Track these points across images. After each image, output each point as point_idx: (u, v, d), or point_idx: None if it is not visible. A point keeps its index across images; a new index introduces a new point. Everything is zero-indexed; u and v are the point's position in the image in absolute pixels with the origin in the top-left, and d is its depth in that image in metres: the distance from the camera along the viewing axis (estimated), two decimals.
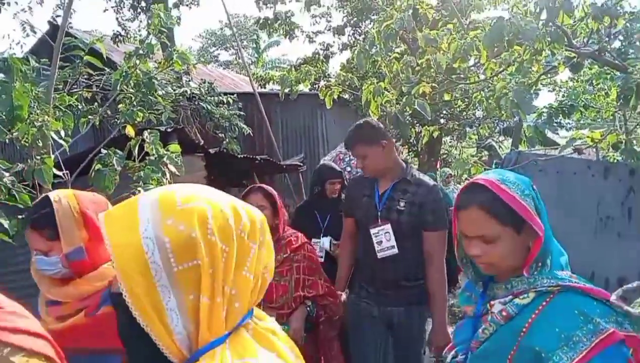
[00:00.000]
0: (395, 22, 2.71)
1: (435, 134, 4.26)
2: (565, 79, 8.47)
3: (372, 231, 2.43)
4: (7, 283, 4.12)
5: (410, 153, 15.13)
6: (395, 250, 2.40)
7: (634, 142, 3.28)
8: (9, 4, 6.16)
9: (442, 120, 10.80)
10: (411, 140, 10.47)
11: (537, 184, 4.31)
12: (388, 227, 2.41)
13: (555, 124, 5.27)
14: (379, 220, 2.44)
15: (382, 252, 2.42)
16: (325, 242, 3.26)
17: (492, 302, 1.19)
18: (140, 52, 2.52)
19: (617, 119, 5.34)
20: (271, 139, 8.27)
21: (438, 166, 11.32)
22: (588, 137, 2.69)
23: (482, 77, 2.83)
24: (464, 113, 9.54)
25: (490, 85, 2.86)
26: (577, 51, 2.53)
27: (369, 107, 2.66)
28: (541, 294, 1.12)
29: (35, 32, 7.34)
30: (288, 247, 2.47)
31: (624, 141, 2.76)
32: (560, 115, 5.23)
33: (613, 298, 0.98)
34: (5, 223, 2.61)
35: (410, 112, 2.78)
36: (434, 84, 2.78)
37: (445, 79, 2.72)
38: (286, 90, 3.65)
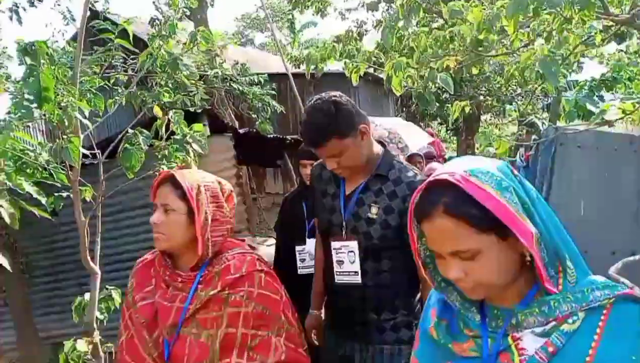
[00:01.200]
0: None
1: (467, 109, 4.14)
2: (613, 51, 8.02)
3: (334, 245, 1.82)
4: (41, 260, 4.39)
5: (449, 131, 14.82)
6: (358, 279, 1.77)
7: None
8: None
9: (480, 97, 10.49)
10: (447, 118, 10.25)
11: (575, 161, 4.09)
12: (354, 245, 1.77)
13: (597, 98, 5.00)
14: (344, 233, 1.80)
15: (341, 276, 1.81)
16: (311, 246, 2.44)
17: (517, 335, 0.88)
18: (163, 32, 2.57)
19: None
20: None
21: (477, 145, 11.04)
22: (619, 108, 2.54)
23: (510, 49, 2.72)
24: (503, 89, 9.22)
25: (518, 57, 2.75)
26: (612, 18, 2.38)
27: (390, 83, 2.62)
28: (592, 312, 0.84)
29: (74, 20, 7.60)
30: (221, 279, 1.46)
31: None
32: (603, 88, 4.96)
33: (612, 271, 0.94)
34: (44, 201, 2.78)
35: (434, 87, 2.72)
36: (458, 58, 2.69)
37: (471, 51, 2.63)
38: (312, 69, 3.63)
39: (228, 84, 6.78)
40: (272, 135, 5.73)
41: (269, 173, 9.43)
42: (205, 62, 6.23)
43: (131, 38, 2.79)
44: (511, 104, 10.40)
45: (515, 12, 2.12)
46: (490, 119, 12.66)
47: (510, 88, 9.05)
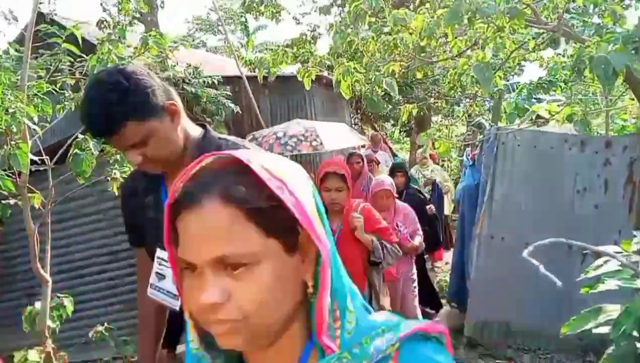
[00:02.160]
0: (364, 2, 2.77)
1: (415, 112, 4.33)
2: (552, 55, 8.53)
3: (157, 255, 1.48)
4: None
5: (402, 133, 15.23)
6: (177, 305, 1.42)
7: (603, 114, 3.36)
8: None
9: (430, 99, 10.86)
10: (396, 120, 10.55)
11: (515, 158, 4.36)
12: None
13: (534, 100, 5.35)
14: None
15: (155, 292, 1.46)
16: None
17: None
18: (112, 37, 2.57)
19: (600, 93, 5.40)
20: (260, 121, 8.33)
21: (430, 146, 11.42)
22: (546, 110, 2.77)
23: (452, 55, 2.90)
24: (451, 91, 9.61)
25: (456, 63, 2.93)
26: (540, 27, 2.59)
27: (339, 87, 2.73)
28: None
29: (17, 21, 7.28)
30: None
31: (577, 113, 2.84)
32: (541, 90, 5.30)
33: (525, 254, 1.05)
34: None
35: (382, 90, 2.85)
36: (403, 63, 2.84)
37: (414, 57, 2.78)
38: (264, 73, 3.70)
39: (181, 86, 6.72)
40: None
41: None
42: (156, 65, 6.14)
43: (80, 42, 2.76)
44: (459, 106, 10.83)
45: (451, 21, 2.28)
46: (440, 120, 13.12)
47: (457, 90, 9.46)
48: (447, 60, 2.84)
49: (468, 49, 2.75)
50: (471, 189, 5.06)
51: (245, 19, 18.41)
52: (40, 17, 8.52)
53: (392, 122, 13.47)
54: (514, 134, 4.38)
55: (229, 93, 7.60)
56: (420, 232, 3.91)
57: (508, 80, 6.83)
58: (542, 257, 1.30)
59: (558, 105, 2.93)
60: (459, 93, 9.73)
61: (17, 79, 2.41)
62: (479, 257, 4.51)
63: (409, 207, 3.94)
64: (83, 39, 3.00)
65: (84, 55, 4.08)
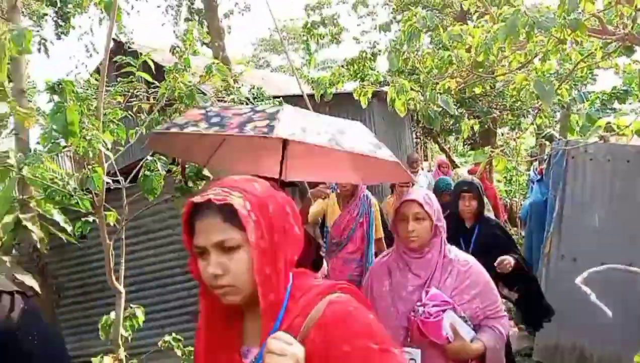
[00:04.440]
0: (418, 21, 2.77)
1: (477, 127, 4.22)
2: (628, 61, 8.00)
3: None
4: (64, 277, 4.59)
5: (465, 146, 14.79)
6: None
7: None
8: (73, 27, 6.76)
9: (496, 111, 10.50)
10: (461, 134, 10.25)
11: (587, 173, 4.09)
12: None
13: (609, 111, 5.01)
14: None
15: None
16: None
17: None
18: (179, 66, 2.76)
19: None
20: None
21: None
22: (615, 124, 2.59)
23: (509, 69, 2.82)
24: (518, 103, 9.23)
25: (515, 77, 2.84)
26: (607, 38, 2.46)
27: (394, 104, 2.74)
28: None
29: (97, 52, 7.99)
30: None
31: None
32: (615, 100, 4.98)
33: (578, 280, 1.02)
34: (69, 228, 2.97)
35: (436, 107, 2.83)
36: (459, 79, 2.80)
37: (470, 73, 2.74)
38: (321, 93, 3.78)
39: None
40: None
41: (288, 192, 9.59)
42: (222, 88, 6.46)
43: (153, 68, 2.99)
44: (525, 118, 10.38)
45: (508, 35, 2.23)
46: (507, 133, 12.60)
47: (524, 102, 9.08)
48: (505, 74, 2.76)
49: (528, 62, 2.67)
50: (539, 206, 4.83)
51: (307, 39, 18.89)
52: (119, 47, 9.24)
53: (454, 135, 13.14)
54: (584, 147, 4.15)
55: None
56: (505, 321, 1.98)
57: (579, 90, 6.47)
58: (619, 281, 1.21)
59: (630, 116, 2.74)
60: (527, 104, 9.33)
61: (92, 108, 2.65)
62: (548, 277, 4.27)
63: (478, 268, 1.99)
64: (158, 64, 3.23)
65: (157, 82, 4.40)
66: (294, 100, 8.78)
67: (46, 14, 6.81)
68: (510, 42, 2.29)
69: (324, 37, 9.02)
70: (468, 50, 2.85)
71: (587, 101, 5.43)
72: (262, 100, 7.60)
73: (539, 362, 4.19)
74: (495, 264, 2.67)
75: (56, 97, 2.04)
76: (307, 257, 1.85)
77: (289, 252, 1.03)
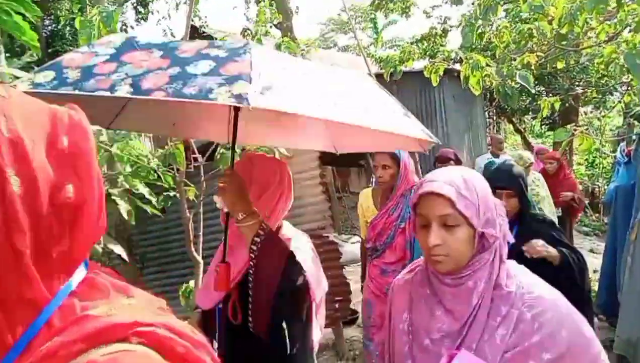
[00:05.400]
0: None
1: (557, 105, 3.98)
2: None
3: None
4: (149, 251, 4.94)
5: (543, 126, 13.97)
6: None
7: None
8: (152, 13, 7.11)
9: (578, 89, 9.80)
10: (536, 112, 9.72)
11: None
12: None
13: None
14: None
15: None
16: None
17: None
18: None
19: None
20: None
21: (574, 141, 10.33)
22: None
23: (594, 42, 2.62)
24: (604, 80, 8.54)
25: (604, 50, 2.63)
26: None
27: (468, 82, 2.65)
28: None
29: (174, 36, 8.35)
30: None
31: None
32: None
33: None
34: (154, 200, 3.18)
35: (514, 83, 2.70)
36: (539, 53, 2.65)
37: (552, 47, 2.58)
38: (390, 71, 3.73)
39: None
40: None
41: (353, 172, 9.61)
42: None
43: None
44: (612, 95, 9.60)
45: (597, 4, 2.08)
46: (590, 111, 11.74)
47: (611, 78, 8.39)
48: (591, 47, 2.57)
49: (618, 34, 2.46)
50: (626, 190, 4.49)
51: (375, 17, 18.53)
52: (194, 31, 9.60)
53: (531, 114, 12.45)
54: None
55: None
56: None
57: None
58: None
59: None
60: (615, 80, 8.59)
61: None
62: (633, 266, 3.99)
63: (560, 310, 1.17)
64: None
65: None
66: None
67: (127, 0, 7.22)
68: (598, 11, 2.13)
69: (392, 10, 8.81)
70: (550, 22, 2.68)
71: None
72: None
73: (620, 355, 3.96)
74: (524, 247, 2.07)
75: None
76: (270, 263, 1.45)
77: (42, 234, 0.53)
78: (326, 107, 1.25)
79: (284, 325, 1.49)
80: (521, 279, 1.14)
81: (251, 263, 1.46)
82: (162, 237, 4.90)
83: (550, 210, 4.71)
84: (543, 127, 14.13)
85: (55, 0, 11.20)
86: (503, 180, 2.19)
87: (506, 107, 11.80)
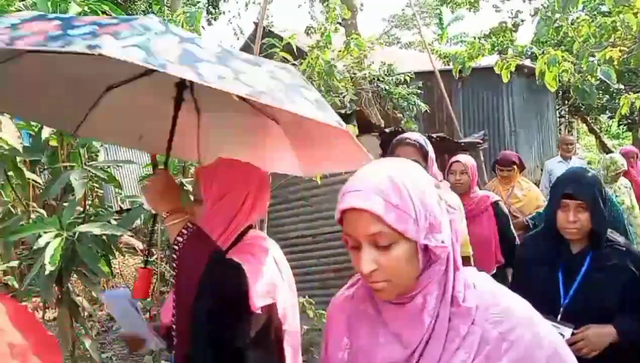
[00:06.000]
0: None
1: (638, 104, 3.72)
2: None
3: None
4: None
5: (621, 126, 13.05)
6: None
7: None
8: (223, 12, 7.38)
9: None
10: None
11: None
12: None
13: None
14: None
15: None
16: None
17: None
18: (320, 44, 2.89)
19: None
20: (451, 116, 8.15)
21: None
22: None
23: None
24: None
25: None
26: None
27: (543, 78, 2.54)
28: None
29: (243, 34, 8.61)
30: None
31: None
32: None
33: None
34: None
35: (595, 79, 2.56)
36: (623, 48, 2.49)
37: (637, 41, 2.42)
38: (459, 68, 3.65)
39: (375, 84, 7.03)
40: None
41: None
42: (354, 65, 6.56)
43: (294, 49, 3.17)
44: None
45: None
46: None
47: None
48: None
49: None
50: None
51: (440, 12, 18.09)
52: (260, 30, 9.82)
53: (608, 113, 11.70)
54: None
55: (418, 91, 7.64)
56: None
57: None
58: None
59: None
60: None
61: None
62: None
63: (532, 330, 0.91)
64: (295, 46, 3.42)
65: (295, 61, 4.65)
66: (426, 75, 8.57)
67: (199, 1, 7.53)
68: None
69: (460, 4, 8.58)
70: (636, 15, 2.51)
71: None
72: (392, 77, 7.56)
73: None
74: (567, 341, 1.56)
75: None
76: (190, 262, 1.34)
77: None
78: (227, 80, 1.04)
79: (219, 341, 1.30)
80: (483, 289, 0.92)
81: (174, 265, 1.37)
82: None
83: (635, 223, 4.11)
84: (621, 127, 13.22)
85: (133, 1, 11.89)
86: (572, 187, 1.74)
87: (581, 105, 11.14)
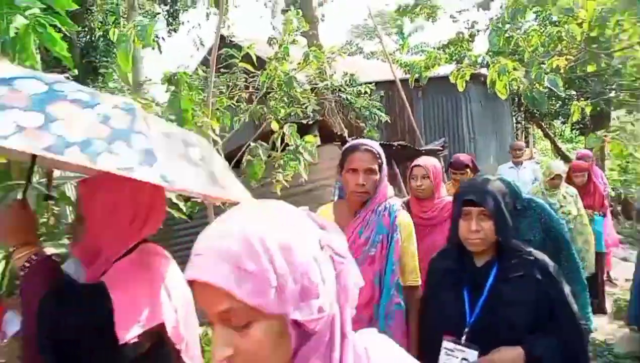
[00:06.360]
0: None
1: (588, 110, 3.89)
2: None
3: None
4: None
5: (574, 131, 13.63)
6: None
7: None
8: (182, 23, 7.30)
9: (611, 92, 9.54)
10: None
11: None
12: None
13: None
14: None
15: None
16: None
17: None
18: (279, 55, 2.89)
19: None
20: (412, 124, 8.31)
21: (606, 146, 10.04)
22: None
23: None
24: (638, 82, 8.28)
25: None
26: None
27: (494, 86, 2.62)
28: None
29: (204, 45, 8.53)
30: None
31: None
32: None
33: None
34: (182, 204, 3.25)
35: (542, 88, 2.66)
36: (569, 57, 2.61)
37: (583, 50, 2.53)
38: (416, 77, 3.72)
39: (337, 94, 7.09)
40: (378, 142, 5.88)
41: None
42: (316, 75, 6.60)
43: (254, 60, 3.16)
44: None
45: (629, 6, 2.03)
46: (624, 115, 11.39)
47: None
48: (623, 50, 2.51)
49: None
50: None
51: (401, 22, 18.52)
52: (222, 40, 9.77)
53: (561, 119, 12.19)
54: None
55: (380, 101, 7.76)
56: None
57: None
58: None
59: None
60: None
61: (204, 97, 2.87)
62: None
63: None
64: (256, 56, 3.40)
65: (257, 72, 4.64)
66: (387, 84, 8.72)
67: (158, 13, 7.42)
68: (630, 13, 2.09)
69: (418, 14, 8.77)
70: (580, 25, 2.63)
71: None
72: (354, 88, 7.65)
73: None
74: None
75: (172, 87, 2.24)
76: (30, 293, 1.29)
77: None
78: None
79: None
80: (378, 357, 0.74)
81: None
82: (188, 244, 4.99)
83: (582, 231, 4.08)
84: (574, 131, 13.80)
85: (89, 12, 11.61)
86: (473, 194, 1.62)
87: (535, 111, 11.58)
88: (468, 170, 3.59)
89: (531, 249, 1.67)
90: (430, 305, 1.76)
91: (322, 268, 0.68)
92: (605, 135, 2.53)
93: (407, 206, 2.70)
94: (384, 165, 2.01)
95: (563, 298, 1.60)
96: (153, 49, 8.30)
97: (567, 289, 1.62)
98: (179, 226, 4.52)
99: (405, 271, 2.01)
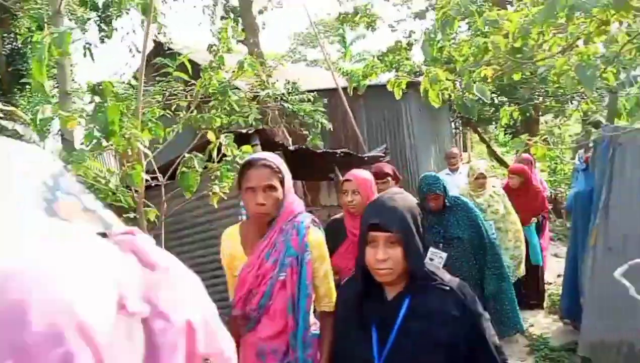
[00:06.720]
0: (452, 8, 2.70)
1: (516, 115, 4.09)
2: None
3: None
4: None
5: (507, 135, 14.36)
6: None
7: None
8: (115, 30, 7.00)
9: (539, 98, 10.14)
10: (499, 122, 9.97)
11: (635, 161, 3.84)
12: None
13: None
14: None
15: None
16: None
17: None
18: (213, 64, 2.81)
19: None
20: (355, 132, 8.43)
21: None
22: None
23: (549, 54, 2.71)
24: (562, 90, 8.86)
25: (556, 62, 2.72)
26: None
27: (427, 95, 2.69)
28: None
29: (140, 52, 8.21)
30: None
31: None
32: None
33: (617, 273, 0.96)
34: None
35: (472, 96, 2.75)
36: (496, 67, 2.72)
37: (508, 60, 2.65)
38: (354, 85, 3.76)
39: (280, 102, 7.06)
40: (322, 150, 5.89)
41: (322, 186, 9.62)
42: (258, 83, 6.54)
43: (190, 68, 3.05)
44: (571, 103, 9.96)
45: (547, 18, 2.14)
46: (551, 120, 12.15)
47: (566, 88, 8.70)
48: (545, 60, 2.66)
49: (570, 46, 2.55)
50: (584, 196, 4.63)
51: (343, 31, 18.81)
52: (159, 47, 9.48)
53: (494, 124, 12.79)
54: (634, 133, 3.93)
55: (323, 109, 7.81)
56: None
57: (628, 73, 6.12)
58: None
59: None
60: (572, 90, 8.95)
61: (132, 108, 2.74)
62: (594, 270, 4.09)
63: None
64: (196, 64, 3.28)
65: (194, 80, 4.51)
66: (330, 92, 8.79)
67: (89, 19, 7.08)
68: (549, 25, 2.20)
69: (358, 23, 8.94)
70: (506, 36, 2.75)
71: (636, 84, 5.16)
72: (297, 96, 7.65)
73: (584, 357, 4.04)
74: None
75: (97, 98, 2.12)
76: None
77: None
78: None
79: None
80: None
81: None
82: None
83: (511, 229, 4.42)
84: (507, 136, 14.54)
85: (15, 18, 10.91)
86: (378, 216, 1.41)
87: (470, 117, 12.10)
88: (389, 178, 3.59)
89: (446, 275, 1.49)
90: (340, 344, 1.62)
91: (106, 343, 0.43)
92: (529, 139, 2.66)
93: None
94: (287, 179, 1.85)
95: (481, 335, 1.42)
96: (85, 56, 7.90)
97: (486, 323, 1.45)
98: None
99: (318, 295, 1.87)
